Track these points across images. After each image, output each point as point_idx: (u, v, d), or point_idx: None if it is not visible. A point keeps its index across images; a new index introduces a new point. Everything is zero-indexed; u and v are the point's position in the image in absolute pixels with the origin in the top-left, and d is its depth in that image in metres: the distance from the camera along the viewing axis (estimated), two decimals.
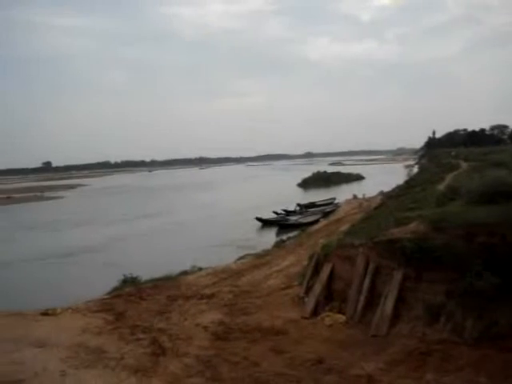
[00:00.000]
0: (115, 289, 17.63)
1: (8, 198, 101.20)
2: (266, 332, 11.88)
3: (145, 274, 19.42)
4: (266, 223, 46.36)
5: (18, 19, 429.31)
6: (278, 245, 27.19)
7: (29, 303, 17.21)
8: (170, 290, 16.37)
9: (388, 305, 11.42)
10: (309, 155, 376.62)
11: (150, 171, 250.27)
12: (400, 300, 11.40)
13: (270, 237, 38.21)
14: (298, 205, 54.66)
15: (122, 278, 18.77)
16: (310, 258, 15.72)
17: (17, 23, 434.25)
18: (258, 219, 46.73)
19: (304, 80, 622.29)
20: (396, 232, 12.32)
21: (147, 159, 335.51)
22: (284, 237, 32.03)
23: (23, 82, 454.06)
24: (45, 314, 13.89)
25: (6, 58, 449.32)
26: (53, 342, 11.48)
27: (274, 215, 49.26)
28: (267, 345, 11.11)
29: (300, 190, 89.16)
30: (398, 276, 11.56)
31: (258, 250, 26.55)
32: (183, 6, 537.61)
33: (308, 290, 14.18)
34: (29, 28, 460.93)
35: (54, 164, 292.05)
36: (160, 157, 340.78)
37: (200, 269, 20.29)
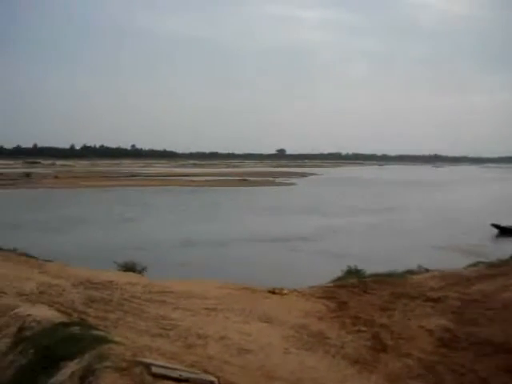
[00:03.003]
0: (339, 278, 17.80)
1: (243, 180, 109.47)
2: (498, 348, 10.88)
3: (365, 267, 19.32)
4: (504, 231, 42.92)
5: (270, 13, 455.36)
6: None
7: (254, 279, 18.30)
8: (393, 287, 15.96)
9: None
10: None
11: (380, 165, 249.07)
12: None
13: (508, 246, 35.26)
14: None
15: (346, 268, 18.90)
16: None
17: (269, 17, 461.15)
18: (495, 226, 43.45)
19: None
20: None
21: (378, 153, 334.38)
22: None
23: (265, 73, 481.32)
24: (272, 292, 14.61)
25: (251, 50, 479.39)
26: (278, 320, 11.97)
27: None
28: (498, 362, 10.18)
29: None
30: None
31: (492, 258, 24.61)
32: None
33: None
34: (278, 21, 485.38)
35: (288, 152, 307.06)
36: (392, 152, 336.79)
37: (426, 270, 19.48)
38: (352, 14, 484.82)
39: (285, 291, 14.70)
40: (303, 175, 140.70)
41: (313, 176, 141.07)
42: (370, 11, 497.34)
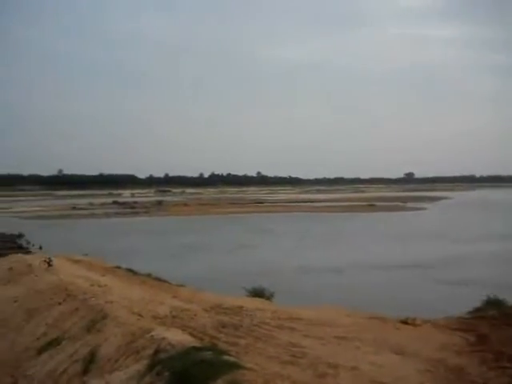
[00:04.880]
0: (477, 309, 16.69)
1: (370, 205, 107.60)
2: None
3: (505, 297, 17.99)
4: None
5: (394, 33, 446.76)
6: None
7: (379, 307, 17.64)
8: None
9: None
10: None
11: None
12: None
13: None
14: None
15: (485, 298, 17.67)
16: None
17: (393, 37, 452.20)
18: None
19: None
20: None
21: None
22: None
23: (390, 96, 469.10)
24: (404, 322, 13.99)
25: (375, 72, 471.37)
26: (411, 352, 11.38)
27: None
28: None
29: None
30: None
31: None
32: None
33: None
34: (402, 41, 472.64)
35: (417, 175, 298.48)
36: None
37: None
38: (483, 29, 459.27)
39: (418, 322, 14.02)
40: (434, 199, 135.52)
41: (444, 200, 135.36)
42: (502, 25, 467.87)
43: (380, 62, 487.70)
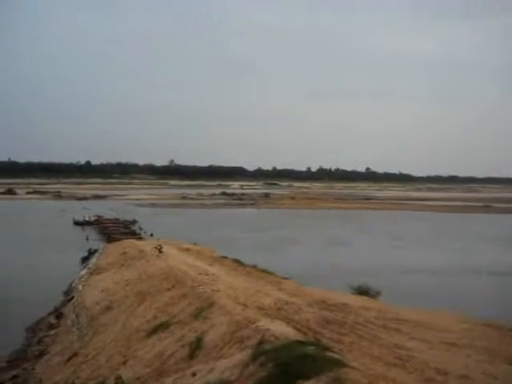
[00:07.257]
0: None
1: (486, 206, 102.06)
2: None
3: None
4: None
5: None
6: None
7: (488, 314, 16.66)
8: None
9: None
10: None
11: None
12: None
13: None
14: None
15: None
16: None
17: None
18: None
19: None
20: None
21: None
22: None
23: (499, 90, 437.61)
24: None
25: (489, 66, 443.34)
26: None
27: None
28: None
29: None
30: None
31: None
32: None
33: None
34: None
35: None
36: None
37: None
38: None
39: None
40: None
41: None
42: None
43: (500, 52, 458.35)
